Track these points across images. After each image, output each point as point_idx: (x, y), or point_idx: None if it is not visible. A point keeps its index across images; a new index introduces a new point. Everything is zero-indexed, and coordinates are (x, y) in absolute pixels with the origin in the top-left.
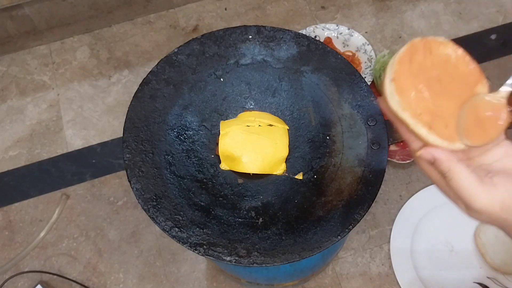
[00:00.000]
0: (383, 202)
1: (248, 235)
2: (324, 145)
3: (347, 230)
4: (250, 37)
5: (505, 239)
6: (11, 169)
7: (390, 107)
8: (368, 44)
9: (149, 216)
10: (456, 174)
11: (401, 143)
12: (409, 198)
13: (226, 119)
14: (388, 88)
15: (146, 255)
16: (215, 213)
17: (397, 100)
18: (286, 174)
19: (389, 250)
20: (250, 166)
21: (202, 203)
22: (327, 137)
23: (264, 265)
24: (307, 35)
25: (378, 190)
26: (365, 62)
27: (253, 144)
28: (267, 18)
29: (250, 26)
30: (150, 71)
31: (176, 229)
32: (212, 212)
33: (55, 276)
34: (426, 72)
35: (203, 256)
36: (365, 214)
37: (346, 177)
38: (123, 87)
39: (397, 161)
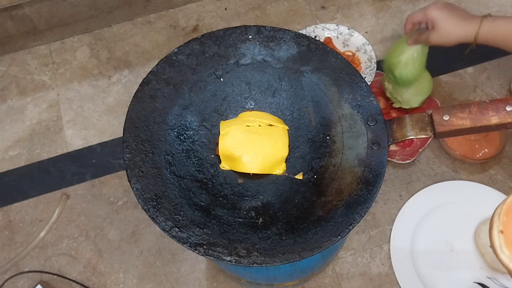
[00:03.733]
0: (383, 202)
1: (248, 235)
2: (324, 145)
3: (347, 230)
4: (250, 37)
5: None
6: (11, 169)
7: (500, 260)
8: (368, 44)
9: (149, 216)
10: None
11: (401, 143)
12: (409, 198)
13: (226, 119)
14: (497, 240)
15: (146, 255)
16: (215, 213)
17: (508, 255)
18: (286, 174)
19: (389, 250)
20: (250, 166)
21: (202, 203)
22: (327, 137)
23: (264, 265)
24: (307, 35)
25: (378, 190)
26: (365, 62)
27: (253, 144)
28: (267, 18)
29: (250, 26)
30: (150, 71)
31: (176, 229)
32: (212, 212)
33: (55, 276)
34: None
35: (203, 256)
36: (365, 214)
37: (346, 177)
38: (123, 87)
39: (397, 161)
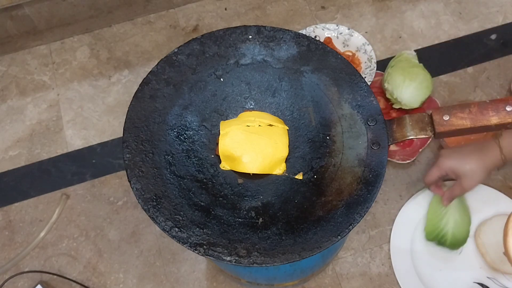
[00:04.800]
0: (383, 202)
1: (248, 235)
2: (324, 145)
3: (347, 230)
4: (250, 37)
5: None
6: (11, 169)
7: None
8: (368, 44)
9: (149, 216)
10: None
11: (401, 143)
12: (409, 198)
13: (226, 119)
14: None
15: (146, 255)
16: (215, 213)
17: None
18: (286, 174)
19: (389, 250)
20: (250, 166)
21: (202, 203)
22: (327, 137)
23: (264, 265)
24: (307, 35)
25: (378, 190)
26: (365, 62)
27: (253, 144)
28: (267, 18)
29: (250, 26)
30: (150, 71)
31: (176, 229)
32: (212, 212)
33: (55, 276)
34: None
35: (203, 256)
36: (365, 214)
37: (346, 177)
38: (123, 87)
39: (397, 161)
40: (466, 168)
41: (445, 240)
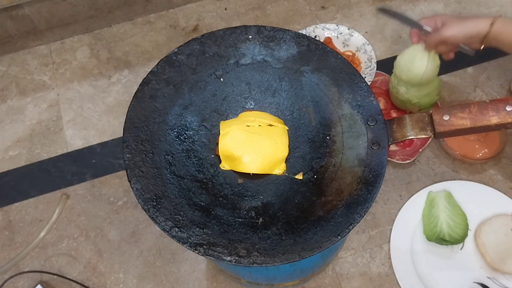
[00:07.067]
0: (383, 202)
1: (248, 235)
2: (324, 145)
3: (347, 230)
4: (250, 37)
5: (504, 239)
6: (11, 169)
7: None
8: (368, 44)
9: (149, 216)
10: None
11: (401, 143)
12: (409, 198)
13: (226, 119)
14: None
15: (146, 255)
16: (215, 213)
17: None
18: (286, 174)
19: (389, 250)
20: (250, 166)
21: (202, 203)
22: (327, 137)
23: (264, 265)
24: (307, 35)
25: (378, 190)
26: (365, 62)
27: (253, 144)
28: (267, 18)
29: (250, 26)
30: (150, 71)
31: (176, 229)
32: (212, 212)
33: (55, 276)
34: None
35: (203, 256)
36: (365, 214)
37: (346, 177)
38: (123, 87)
39: (397, 161)
40: (454, 21)
41: (445, 239)
